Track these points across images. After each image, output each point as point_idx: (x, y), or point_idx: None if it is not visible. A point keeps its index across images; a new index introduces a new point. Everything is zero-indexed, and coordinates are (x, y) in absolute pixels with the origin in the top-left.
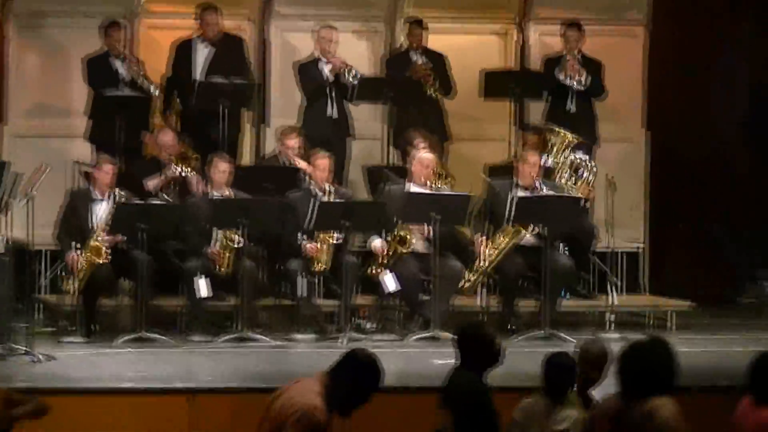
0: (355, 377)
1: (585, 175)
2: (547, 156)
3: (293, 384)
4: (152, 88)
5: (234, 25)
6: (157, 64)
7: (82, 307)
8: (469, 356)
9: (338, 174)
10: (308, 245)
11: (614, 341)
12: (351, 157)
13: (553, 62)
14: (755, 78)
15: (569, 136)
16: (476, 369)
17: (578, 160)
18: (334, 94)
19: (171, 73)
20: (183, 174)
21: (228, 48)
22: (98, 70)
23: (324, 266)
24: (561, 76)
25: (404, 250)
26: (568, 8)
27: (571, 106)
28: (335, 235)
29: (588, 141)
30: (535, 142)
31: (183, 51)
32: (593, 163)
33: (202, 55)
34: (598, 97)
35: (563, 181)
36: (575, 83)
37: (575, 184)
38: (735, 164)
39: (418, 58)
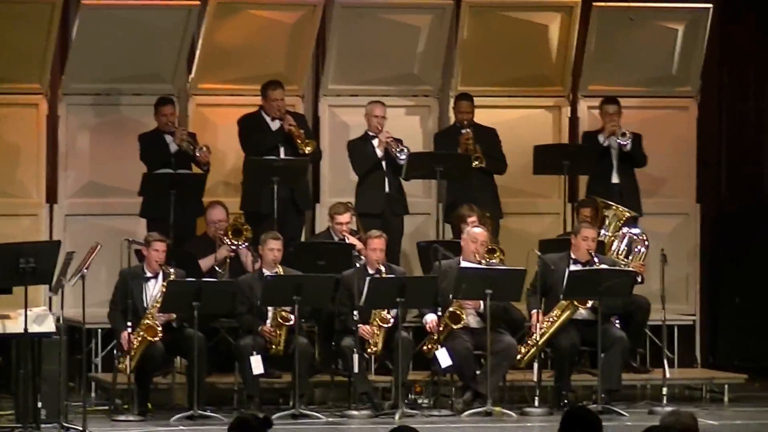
0: None
1: (638, 249)
2: (602, 230)
3: None
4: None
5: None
6: (208, 140)
7: (136, 385)
8: None
9: (393, 250)
10: (362, 328)
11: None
12: (404, 232)
13: (591, 135)
14: None
15: (623, 210)
16: None
17: (632, 235)
18: (388, 170)
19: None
20: (234, 249)
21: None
22: (150, 147)
23: (378, 349)
24: (601, 138)
25: (457, 326)
26: (618, 82)
27: (615, 178)
28: (389, 316)
29: (635, 213)
30: (590, 216)
31: (252, 124)
32: (646, 237)
33: (273, 128)
34: (641, 166)
35: (617, 255)
36: (621, 140)
37: (629, 258)
38: None
39: (464, 132)
